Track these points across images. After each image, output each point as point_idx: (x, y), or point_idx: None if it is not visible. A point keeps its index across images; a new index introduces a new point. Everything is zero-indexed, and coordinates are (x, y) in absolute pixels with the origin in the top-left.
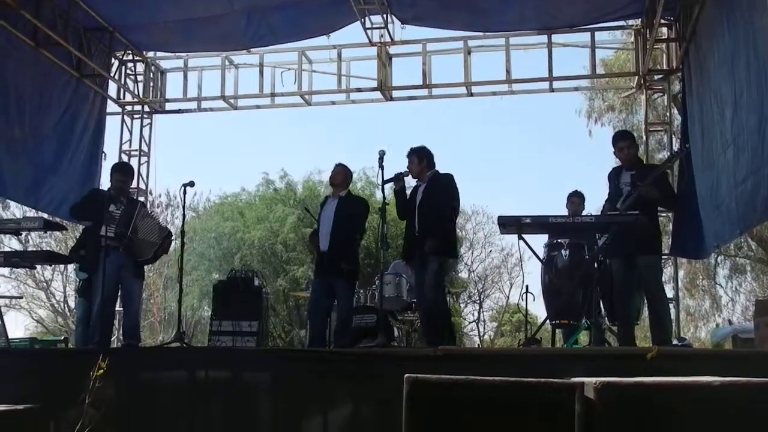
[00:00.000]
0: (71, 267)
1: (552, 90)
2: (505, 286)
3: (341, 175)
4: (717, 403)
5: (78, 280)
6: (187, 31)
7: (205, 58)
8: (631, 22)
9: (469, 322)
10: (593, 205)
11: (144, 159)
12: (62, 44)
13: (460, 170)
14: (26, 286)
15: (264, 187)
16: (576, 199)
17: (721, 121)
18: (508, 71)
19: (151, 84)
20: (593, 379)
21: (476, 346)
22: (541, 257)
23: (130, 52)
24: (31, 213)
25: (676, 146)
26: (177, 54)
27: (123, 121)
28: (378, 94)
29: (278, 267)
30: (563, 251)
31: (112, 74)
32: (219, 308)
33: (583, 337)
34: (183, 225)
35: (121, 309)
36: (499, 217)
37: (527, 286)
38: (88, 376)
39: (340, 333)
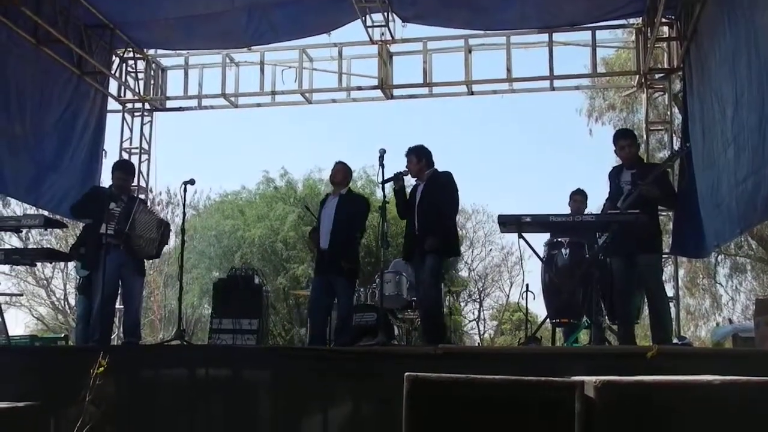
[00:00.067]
0: (71, 264)
1: (553, 89)
2: (505, 284)
3: (341, 173)
4: (717, 402)
5: (78, 277)
6: (188, 28)
7: (206, 56)
8: (632, 20)
9: (470, 321)
10: (593, 204)
11: (144, 157)
12: (63, 41)
13: (461, 169)
14: (26, 284)
15: (264, 185)
16: (578, 197)
17: (722, 120)
18: (508, 70)
19: (152, 81)
20: (593, 378)
21: (476, 344)
22: (542, 256)
23: (130, 49)
24: (31, 210)
25: (676, 145)
26: (178, 51)
27: (123, 118)
28: (379, 93)
29: (278, 265)
30: (563, 250)
31: (112, 72)
32: (219, 306)
33: (584, 336)
34: (183, 223)
35: (122, 307)
36: (499, 215)
37: (527, 285)
38: (89, 373)
39: (340, 331)
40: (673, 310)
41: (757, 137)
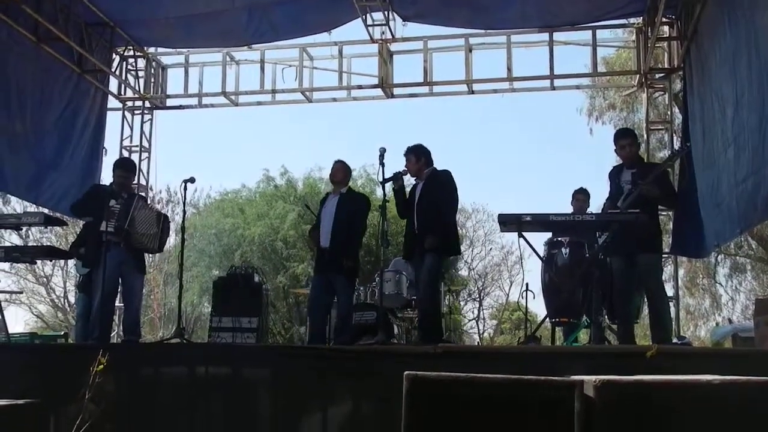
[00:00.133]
0: (71, 262)
1: (553, 88)
2: (505, 283)
3: (341, 172)
4: (717, 402)
5: (78, 275)
6: (188, 26)
7: (206, 54)
8: (632, 20)
9: (469, 320)
10: (594, 204)
11: (145, 155)
12: (63, 39)
13: (461, 168)
14: (26, 282)
15: (264, 183)
16: (581, 196)
17: (722, 120)
18: (509, 69)
19: (152, 80)
20: (593, 377)
21: (476, 343)
22: (542, 255)
23: (131, 47)
24: (31, 208)
25: (676, 145)
26: (178, 50)
27: (124, 116)
28: (379, 91)
29: (278, 264)
30: (563, 249)
31: (113, 70)
32: (219, 304)
33: (583, 336)
34: (183, 221)
35: (122, 305)
36: (499, 215)
37: (527, 284)
38: (88, 371)
39: (339, 330)
40: (672, 309)
41: (757, 137)
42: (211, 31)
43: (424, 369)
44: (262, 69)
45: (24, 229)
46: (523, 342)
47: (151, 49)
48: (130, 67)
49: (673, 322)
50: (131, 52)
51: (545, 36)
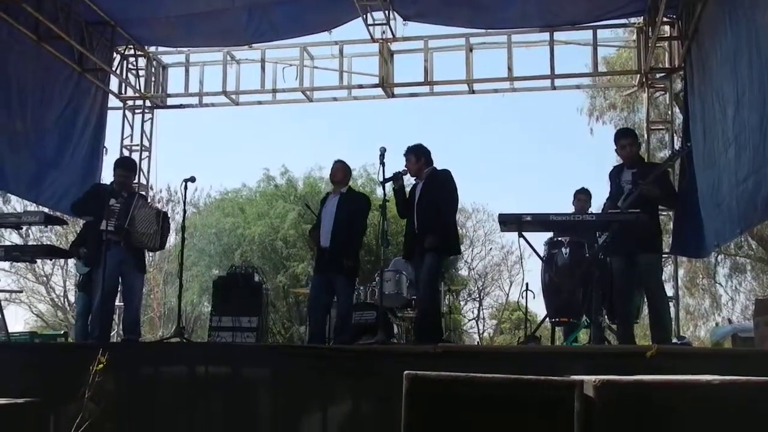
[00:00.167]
0: (71, 261)
1: (554, 88)
2: (505, 283)
3: (341, 171)
4: (716, 402)
5: (78, 275)
6: (189, 26)
7: (207, 54)
8: (633, 20)
9: (469, 320)
10: (594, 204)
11: (145, 154)
12: (64, 38)
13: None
14: (26, 281)
15: (265, 183)
16: (583, 196)
17: (723, 120)
18: (509, 69)
19: (153, 79)
20: (593, 377)
21: (476, 343)
22: (542, 255)
23: (131, 46)
24: (31, 207)
25: (677, 145)
26: (178, 49)
27: (124, 115)
28: (379, 91)
29: (278, 263)
30: (563, 249)
31: (113, 69)
32: (219, 304)
33: (583, 335)
34: (183, 220)
35: (121, 304)
36: (499, 214)
37: (527, 284)
38: (88, 370)
39: (339, 329)
40: (672, 309)
41: (758, 137)
42: (211, 31)
43: (424, 369)
44: (263, 68)
45: (24, 228)
46: (523, 342)
47: (152, 48)
48: (130, 66)
49: (673, 322)
50: (132, 51)
51: (546, 35)
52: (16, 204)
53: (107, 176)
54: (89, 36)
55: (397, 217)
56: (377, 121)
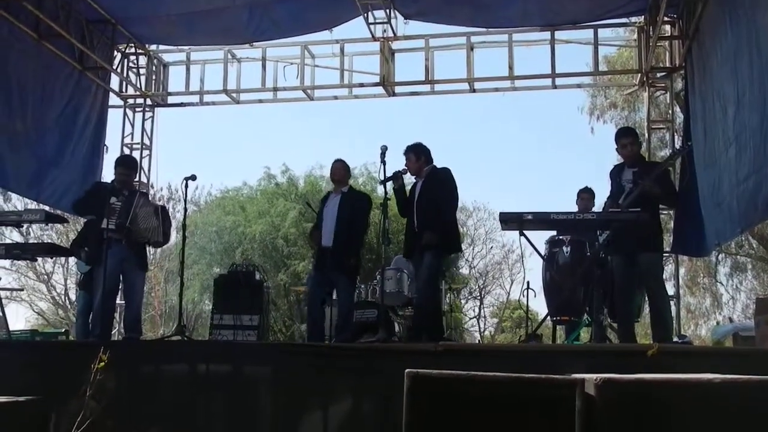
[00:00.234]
0: (72, 260)
1: (554, 87)
2: (506, 282)
3: (342, 171)
4: (717, 401)
5: (79, 273)
6: (190, 24)
7: (208, 52)
8: (634, 19)
9: (470, 318)
10: (596, 203)
11: (146, 152)
12: (65, 36)
13: (462, 166)
14: (27, 279)
15: (265, 181)
16: (586, 195)
17: (724, 119)
18: (510, 67)
19: (154, 77)
20: (594, 376)
21: (477, 342)
22: (543, 254)
23: (132, 44)
24: (32, 205)
25: (678, 144)
26: (179, 47)
27: (125, 114)
28: (380, 90)
29: (279, 261)
30: (565, 248)
31: (114, 67)
32: (220, 302)
33: (584, 334)
34: (184, 219)
35: (123, 302)
36: (500, 213)
37: (528, 283)
38: (89, 368)
39: (341, 328)
40: (673, 308)
41: (758, 136)
42: (212, 29)
43: (425, 367)
44: (264, 67)
45: (25, 226)
46: (524, 340)
47: (153, 47)
48: (131, 64)
49: (674, 321)
50: (133, 50)
51: (547, 34)
52: (17, 202)
53: (108, 174)
54: (90, 34)
55: (398, 216)
56: (378, 119)
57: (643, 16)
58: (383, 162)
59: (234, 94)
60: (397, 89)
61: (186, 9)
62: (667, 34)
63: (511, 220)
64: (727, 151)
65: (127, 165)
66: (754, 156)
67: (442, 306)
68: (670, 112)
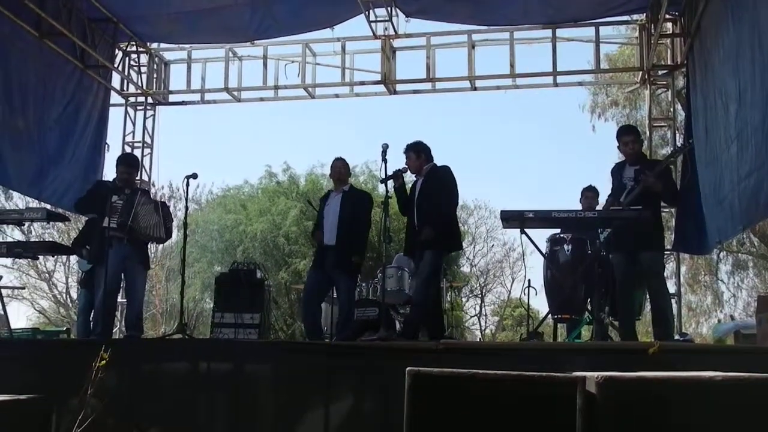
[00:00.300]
0: (74, 258)
1: (556, 85)
2: (507, 280)
3: (342, 169)
4: (718, 399)
5: (80, 271)
6: (191, 22)
7: (209, 50)
8: (635, 16)
9: (471, 316)
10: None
11: (147, 151)
12: (66, 35)
13: (463, 164)
14: (29, 277)
15: (267, 179)
16: (590, 193)
17: (725, 117)
18: (512, 65)
19: (155, 75)
20: (595, 374)
21: (478, 340)
22: (544, 252)
23: (134, 43)
24: (34, 204)
25: (679, 142)
26: (181, 46)
27: (126, 112)
28: (381, 88)
29: (280, 260)
30: (566, 246)
31: (115, 65)
32: (221, 300)
33: (585, 332)
34: (185, 217)
35: (124, 300)
36: (501, 211)
37: (529, 281)
38: (91, 366)
39: (342, 326)
40: (674, 306)
41: (760, 134)
42: (213, 27)
43: (426, 365)
44: (265, 65)
45: (26, 224)
46: (525, 338)
47: (154, 45)
48: (132, 62)
49: (675, 319)
50: (134, 48)
51: (548, 32)
52: (18, 200)
53: (109, 173)
54: (91, 33)
55: (399, 214)
56: (379, 117)
57: (644, 14)
58: (384, 160)
59: (235, 93)
60: (399, 87)
61: (188, 7)
62: (668, 32)
63: (513, 218)
64: (728, 149)
65: (128, 163)
66: (756, 153)
67: (443, 304)
68: (671, 109)
